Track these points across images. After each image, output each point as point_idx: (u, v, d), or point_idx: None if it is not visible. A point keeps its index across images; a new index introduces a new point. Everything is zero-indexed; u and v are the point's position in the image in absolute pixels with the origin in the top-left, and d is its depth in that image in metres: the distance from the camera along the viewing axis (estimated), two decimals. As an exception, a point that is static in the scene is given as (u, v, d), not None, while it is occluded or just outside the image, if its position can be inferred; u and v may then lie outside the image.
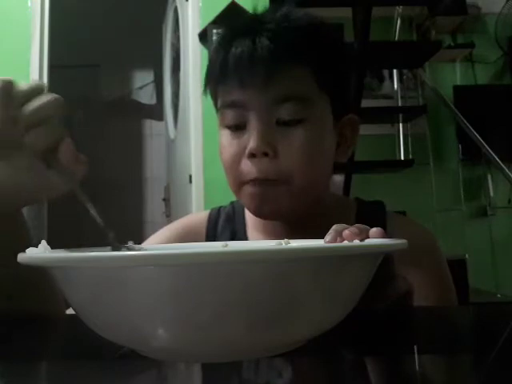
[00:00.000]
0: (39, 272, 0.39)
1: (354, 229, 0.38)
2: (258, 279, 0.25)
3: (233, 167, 0.61)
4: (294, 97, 0.59)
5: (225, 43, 0.61)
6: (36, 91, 0.42)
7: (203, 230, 0.72)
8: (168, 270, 0.25)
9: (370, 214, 0.69)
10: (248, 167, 0.59)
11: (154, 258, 0.24)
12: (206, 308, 0.25)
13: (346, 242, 0.37)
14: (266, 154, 0.58)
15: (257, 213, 0.62)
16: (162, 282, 0.25)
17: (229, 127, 0.61)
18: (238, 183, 0.61)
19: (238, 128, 0.61)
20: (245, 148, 0.59)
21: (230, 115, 0.61)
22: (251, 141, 0.58)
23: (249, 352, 0.28)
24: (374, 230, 0.39)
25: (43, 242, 0.33)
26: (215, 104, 0.65)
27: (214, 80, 0.63)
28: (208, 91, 0.65)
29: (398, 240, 0.31)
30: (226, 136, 0.62)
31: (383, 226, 0.64)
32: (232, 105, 0.61)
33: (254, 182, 0.59)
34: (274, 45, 0.57)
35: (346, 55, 0.67)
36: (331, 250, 0.27)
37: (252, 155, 0.58)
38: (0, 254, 0.46)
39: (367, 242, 0.37)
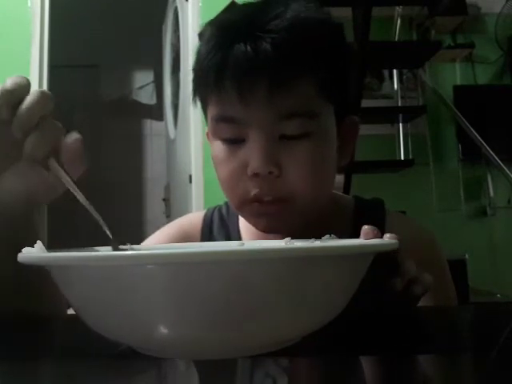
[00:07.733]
0: (39, 272, 0.39)
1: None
2: (258, 278, 0.26)
3: (232, 185, 0.56)
4: (299, 112, 0.53)
5: (218, 45, 0.53)
6: (24, 89, 0.39)
7: (198, 234, 0.69)
8: (166, 268, 0.25)
9: (368, 213, 0.67)
10: (250, 185, 0.54)
11: (151, 257, 0.25)
12: (204, 306, 0.25)
13: (340, 242, 0.38)
14: (270, 173, 0.53)
15: (262, 230, 0.58)
16: (160, 280, 0.25)
17: (224, 140, 0.56)
18: (240, 202, 0.56)
19: (234, 142, 0.55)
20: (245, 164, 0.54)
21: (226, 129, 0.55)
22: (253, 159, 0.52)
23: (245, 349, 0.28)
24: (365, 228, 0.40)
25: (39, 243, 0.33)
26: (204, 110, 0.59)
27: (206, 86, 0.55)
28: (197, 97, 0.59)
29: (388, 240, 0.32)
30: (220, 149, 0.56)
31: (382, 224, 0.64)
32: (228, 119, 0.54)
33: (258, 200, 0.54)
34: (279, 52, 0.50)
35: (349, 57, 0.61)
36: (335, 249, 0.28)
37: (255, 174, 0.53)
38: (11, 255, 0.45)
39: (360, 241, 0.38)
